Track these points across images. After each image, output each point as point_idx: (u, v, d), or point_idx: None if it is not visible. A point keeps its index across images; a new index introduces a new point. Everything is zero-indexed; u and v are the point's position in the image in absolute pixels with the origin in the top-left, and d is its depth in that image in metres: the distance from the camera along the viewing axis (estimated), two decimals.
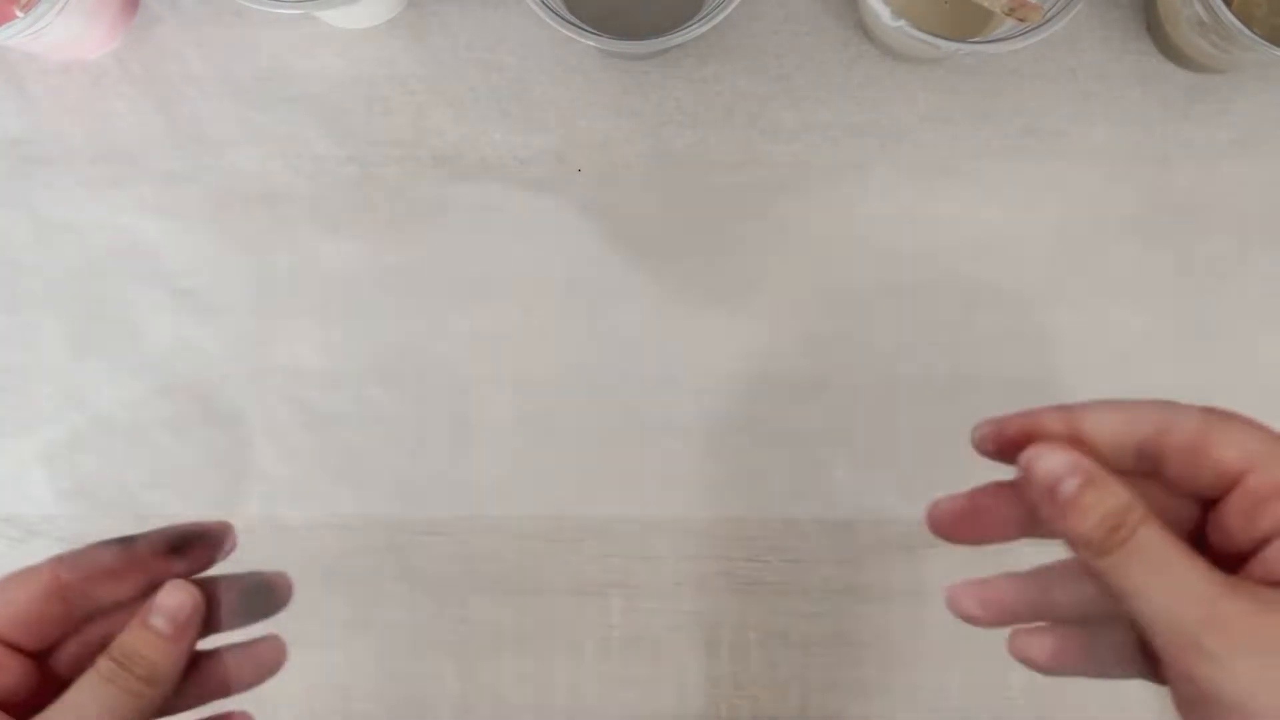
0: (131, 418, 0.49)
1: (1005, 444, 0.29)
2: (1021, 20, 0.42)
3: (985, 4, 0.43)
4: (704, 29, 0.41)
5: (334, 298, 0.49)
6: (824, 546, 0.49)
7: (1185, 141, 0.48)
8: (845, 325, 0.49)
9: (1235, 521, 0.27)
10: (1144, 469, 0.28)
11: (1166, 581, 0.26)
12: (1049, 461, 0.27)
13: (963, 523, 0.32)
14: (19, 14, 0.42)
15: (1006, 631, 0.49)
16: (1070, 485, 0.27)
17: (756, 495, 0.49)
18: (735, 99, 0.49)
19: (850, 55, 0.49)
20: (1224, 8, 0.41)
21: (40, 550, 0.49)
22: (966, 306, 0.49)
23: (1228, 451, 0.27)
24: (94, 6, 0.46)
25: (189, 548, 0.35)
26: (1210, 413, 0.29)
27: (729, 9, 0.41)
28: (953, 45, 0.41)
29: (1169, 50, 0.48)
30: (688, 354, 0.49)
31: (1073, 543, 0.27)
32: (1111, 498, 0.27)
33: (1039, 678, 0.49)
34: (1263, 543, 0.27)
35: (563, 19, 0.41)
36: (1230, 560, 0.27)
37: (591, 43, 0.42)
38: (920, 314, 0.49)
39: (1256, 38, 0.40)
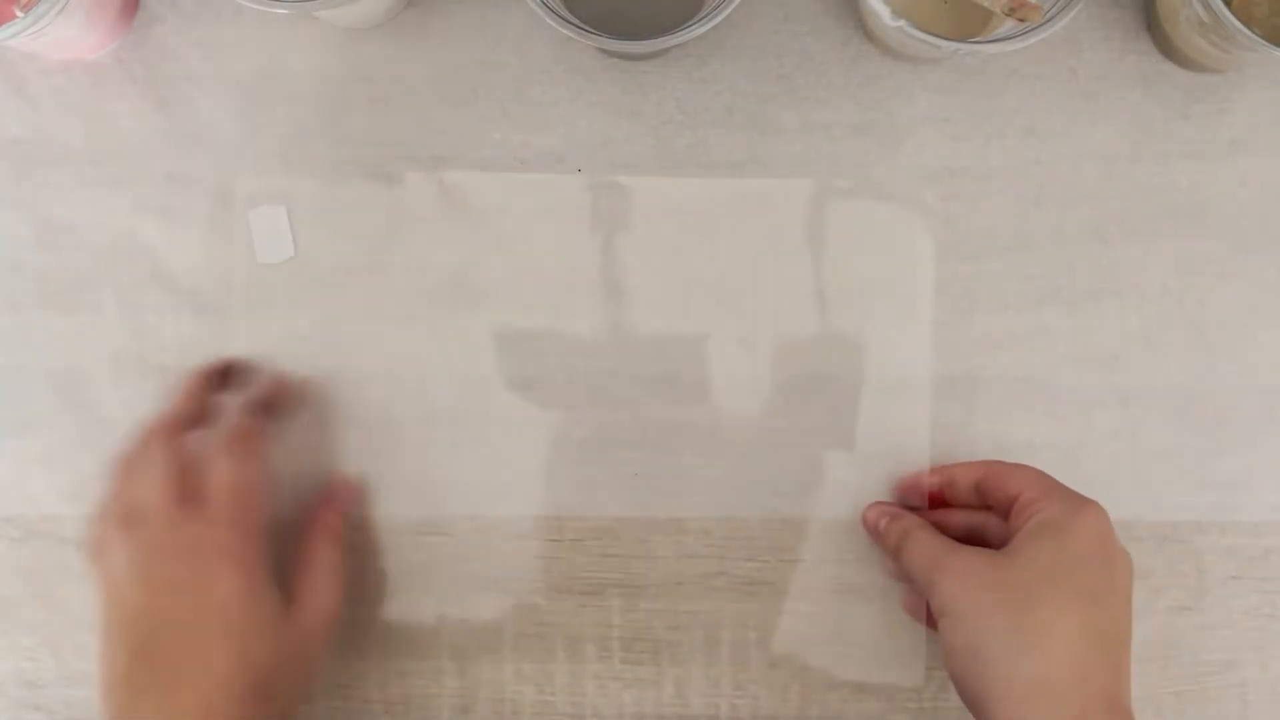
0: (131, 418, 0.49)
1: (903, 491, 0.49)
2: (1021, 20, 0.42)
3: (985, 4, 0.43)
4: (704, 29, 0.41)
5: (334, 297, 0.49)
6: (824, 546, 0.49)
7: (1185, 141, 0.48)
8: (845, 325, 0.49)
9: (1012, 523, 0.43)
10: (978, 500, 0.46)
11: (922, 554, 0.43)
12: (870, 512, 0.48)
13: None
14: (19, 14, 0.42)
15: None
16: (883, 522, 0.47)
17: (756, 495, 0.49)
18: (735, 99, 0.49)
19: (850, 55, 0.49)
20: (1224, 8, 0.41)
21: (40, 550, 0.49)
22: (967, 306, 0.49)
23: (1010, 483, 0.44)
24: (94, 6, 0.45)
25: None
26: (1009, 464, 0.45)
27: (729, 9, 0.41)
28: (953, 45, 0.41)
29: (1169, 50, 0.48)
30: (688, 353, 0.49)
31: (886, 553, 0.47)
32: (900, 522, 0.46)
33: None
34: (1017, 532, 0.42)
35: (563, 19, 0.41)
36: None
37: (591, 43, 0.42)
38: (921, 312, 0.49)
39: (1256, 38, 0.40)
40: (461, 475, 0.49)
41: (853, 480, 0.49)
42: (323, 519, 0.47)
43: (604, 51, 0.48)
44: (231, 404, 0.47)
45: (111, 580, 0.43)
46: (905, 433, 0.49)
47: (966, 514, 0.46)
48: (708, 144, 0.49)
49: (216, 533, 0.43)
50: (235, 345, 0.49)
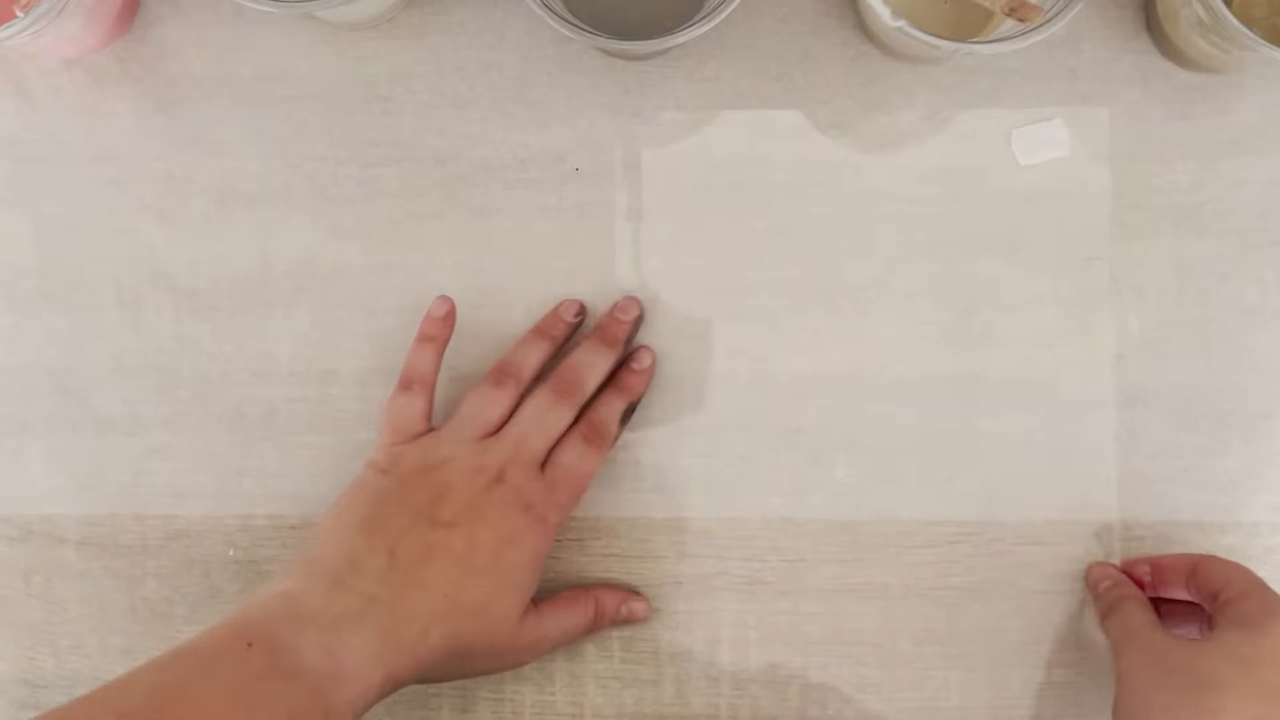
0: (131, 417, 0.49)
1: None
2: (1021, 20, 0.42)
3: (985, 4, 0.43)
4: (704, 29, 0.41)
5: (334, 297, 0.49)
6: (824, 546, 0.49)
7: (1185, 141, 0.48)
8: (845, 325, 0.49)
9: (1214, 618, 0.43)
10: (1189, 594, 0.45)
11: (1125, 622, 0.44)
12: (1095, 571, 0.48)
13: None
14: (19, 14, 0.42)
15: (1005, 633, 0.50)
16: (1103, 585, 0.47)
17: (756, 495, 0.49)
18: (735, 99, 0.49)
19: (850, 55, 0.49)
20: (1224, 8, 0.41)
21: (40, 550, 0.50)
22: (967, 306, 0.49)
23: (1216, 577, 0.44)
24: (94, 6, 0.45)
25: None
26: (1221, 561, 0.45)
27: (729, 9, 0.41)
28: (953, 45, 0.41)
29: (1169, 50, 0.48)
30: (688, 353, 0.49)
31: (1096, 612, 0.47)
32: (1120, 590, 0.46)
33: (1038, 678, 0.50)
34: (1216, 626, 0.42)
35: (563, 19, 0.41)
36: None
37: (591, 43, 0.42)
38: (920, 313, 0.49)
39: (1256, 38, 0.40)
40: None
41: (853, 480, 0.49)
42: (608, 601, 0.47)
43: (604, 51, 0.48)
44: (606, 399, 0.47)
45: (424, 466, 0.44)
46: (906, 432, 0.49)
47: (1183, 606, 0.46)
48: (708, 144, 0.49)
49: (547, 504, 0.44)
50: (235, 345, 0.49)
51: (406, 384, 0.47)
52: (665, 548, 0.49)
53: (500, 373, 0.46)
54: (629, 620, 0.48)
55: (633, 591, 0.48)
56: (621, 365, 0.48)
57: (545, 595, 0.46)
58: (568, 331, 0.48)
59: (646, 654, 0.49)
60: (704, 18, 0.41)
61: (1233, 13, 0.41)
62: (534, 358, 0.47)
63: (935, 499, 0.49)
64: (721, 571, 0.49)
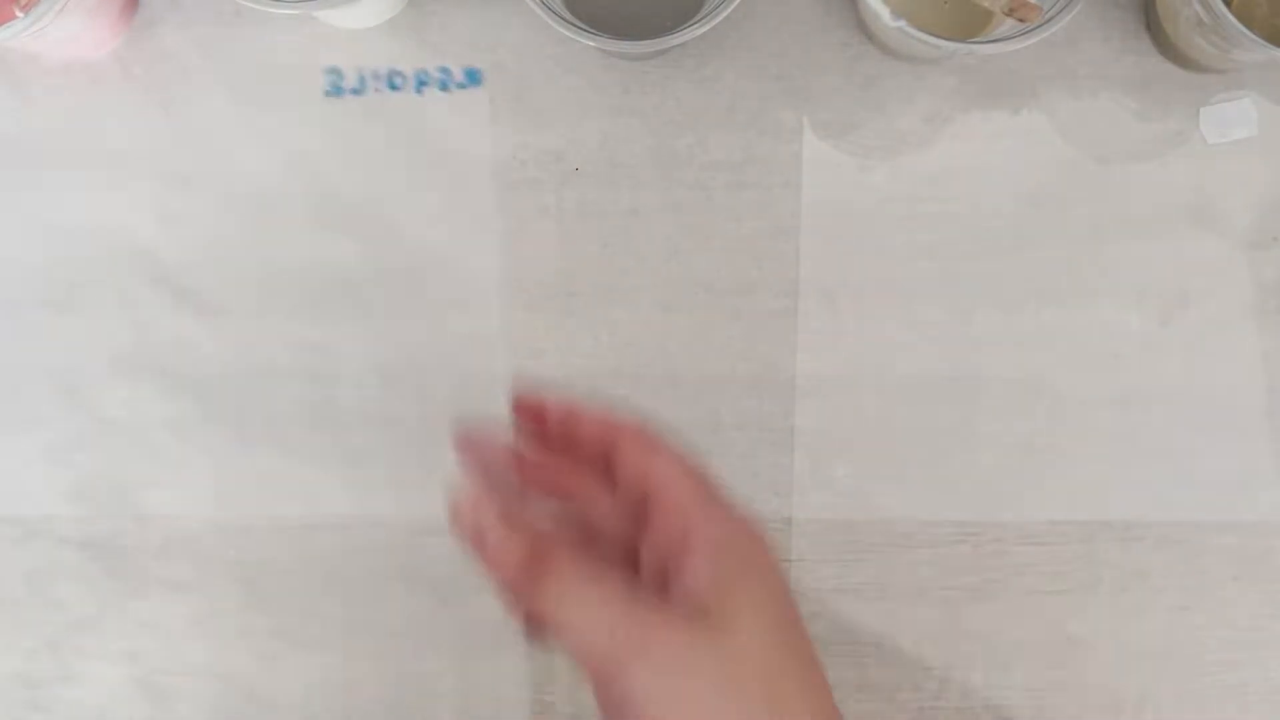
0: (131, 418, 0.49)
1: (519, 408, 0.33)
2: (1021, 20, 0.42)
3: (985, 4, 0.43)
4: (704, 29, 0.41)
5: (334, 297, 0.49)
6: (824, 546, 0.49)
7: (1184, 141, 0.48)
8: (846, 324, 0.49)
9: (656, 531, 0.30)
10: (601, 464, 0.32)
11: (596, 616, 0.28)
12: (462, 497, 0.30)
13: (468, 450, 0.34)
14: (19, 14, 0.42)
15: (1005, 633, 0.50)
16: (493, 528, 0.29)
17: (760, 495, 0.49)
18: (735, 99, 0.49)
19: (850, 55, 0.49)
20: (1224, 8, 0.41)
21: (40, 550, 0.49)
22: (967, 306, 0.49)
23: (649, 468, 0.31)
24: (94, 6, 0.45)
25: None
26: (636, 430, 0.33)
27: (729, 9, 0.41)
28: (953, 45, 0.41)
29: (1169, 50, 0.48)
30: (688, 353, 0.49)
31: (494, 578, 0.30)
32: (519, 537, 0.30)
33: (1038, 678, 0.50)
34: (675, 556, 0.30)
35: (563, 19, 0.41)
36: (657, 574, 0.30)
37: (591, 43, 0.42)
38: (920, 313, 0.49)
39: (1256, 38, 0.40)
40: (462, 475, 0.49)
41: (853, 480, 0.49)
42: None
43: (604, 51, 0.48)
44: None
45: None
46: (906, 432, 0.49)
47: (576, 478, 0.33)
48: (708, 144, 0.49)
49: None
50: (235, 345, 0.49)
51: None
52: None
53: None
54: None
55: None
56: None
57: None
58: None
59: None
60: (704, 18, 0.41)
61: (1233, 13, 0.41)
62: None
63: (935, 499, 0.49)
64: None
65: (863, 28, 0.48)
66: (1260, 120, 0.48)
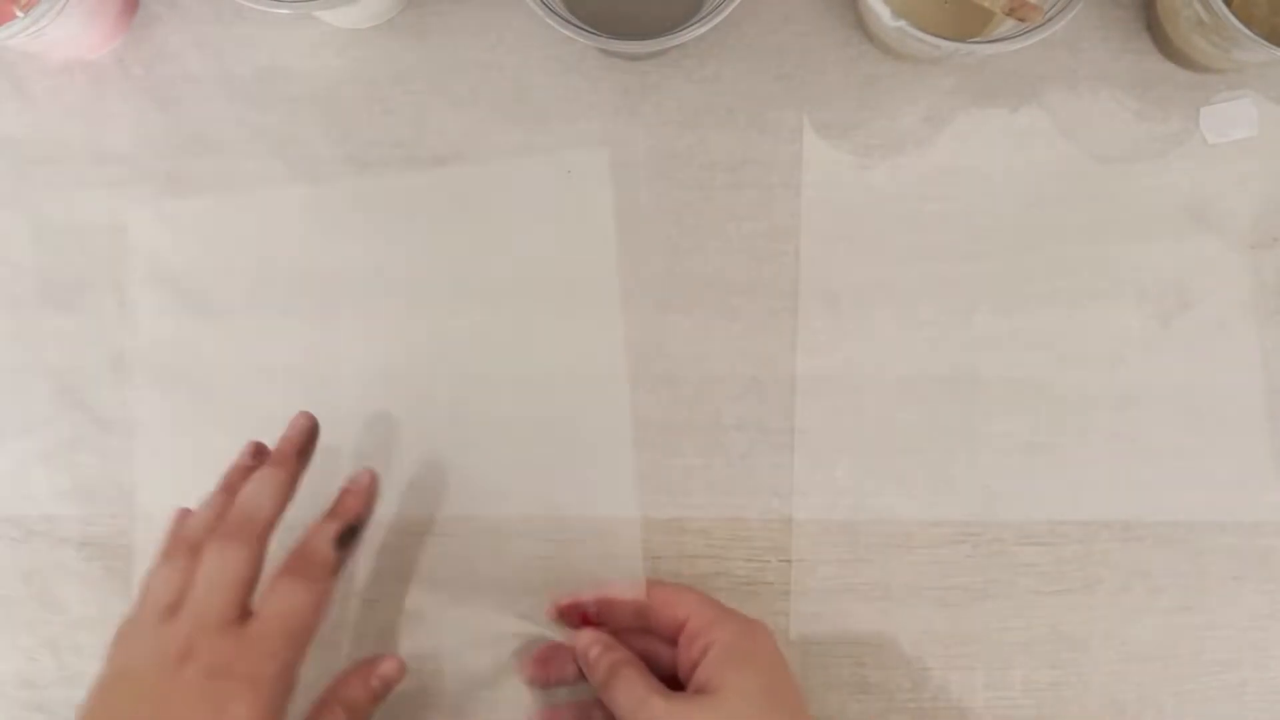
0: (131, 418, 0.49)
1: (562, 612, 0.46)
2: (1021, 20, 0.42)
3: (985, 4, 0.43)
4: (704, 29, 0.41)
5: (334, 297, 0.49)
6: (824, 546, 0.49)
7: (1184, 141, 0.48)
8: (845, 324, 0.49)
9: (683, 652, 0.42)
10: (640, 625, 0.44)
11: (631, 697, 0.41)
12: (583, 639, 0.44)
13: (539, 667, 0.46)
14: (19, 14, 0.42)
15: (1005, 633, 0.50)
16: (594, 651, 0.43)
17: (755, 495, 0.49)
18: (735, 99, 0.49)
19: (850, 55, 0.49)
20: (1224, 8, 0.41)
21: (40, 550, 0.49)
22: (967, 306, 0.49)
23: (677, 608, 0.43)
24: (94, 6, 0.46)
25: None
26: (669, 588, 0.44)
27: (729, 9, 0.41)
28: (953, 45, 0.41)
29: (1169, 50, 0.48)
30: (688, 353, 0.49)
31: (592, 683, 0.43)
32: (611, 655, 0.43)
33: (1038, 678, 0.50)
34: (697, 664, 0.41)
35: (563, 19, 0.41)
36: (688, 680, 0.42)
37: (591, 43, 0.42)
38: (920, 313, 0.49)
39: (1256, 38, 0.40)
40: (461, 475, 0.49)
41: (853, 480, 0.49)
42: (352, 690, 0.43)
43: (604, 51, 0.48)
44: (318, 526, 0.43)
45: (118, 674, 0.40)
46: (906, 432, 0.49)
47: (642, 640, 0.44)
48: (708, 144, 0.49)
49: (255, 659, 0.39)
50: (235, 345, 0.49)
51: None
52: (665, 548, 0.49)
53: (168, 545, 0.42)
54: (387, 686, 0.44)
55: (375, 659, 0.44)
56: (341, 489, 0.44)
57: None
58: (247, 476, 0.43)
59: None
60: (704, 18, 0.41)
61: (1233, 13, 0.41)
62: (204, 516, 0.42)
63: (935, 499, 0.49)
64: (721, 571, 0.49)
65: (863, 28, 0.48)
66: (1260, 120, 0.48)
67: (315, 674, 0.49)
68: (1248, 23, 0.40)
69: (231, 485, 0.44)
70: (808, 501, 0.49)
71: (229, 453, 0.49)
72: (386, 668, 0.44)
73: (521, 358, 0.49)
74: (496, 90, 0.49)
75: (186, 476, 0.49)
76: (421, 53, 0.49)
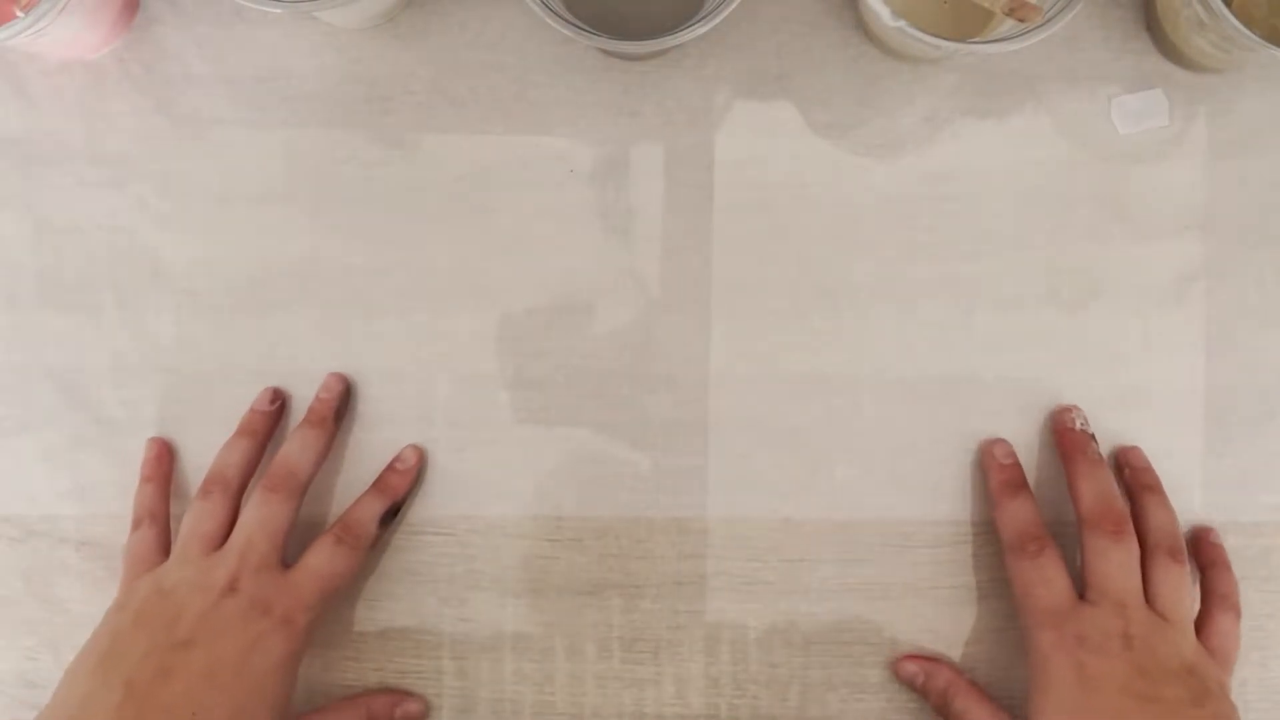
0: (131, 418, 0.49)
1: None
2: (1021, 20, 0.42)
3: (985, 4, 0.43)
4: (704, 29, 0.41)
5: (334, 297, 0.49)
6: (824, 546, 0.49)
7: (1185, 141, 0.48)
8: (845, 325, 0.49)
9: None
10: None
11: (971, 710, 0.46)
12: (906, 667, 0.48)
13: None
14: (19, 14, 0.42)
15: (1005, 633, 0.50)
16: (920, 679, 0.48)
17: (756, 495, 0.49)
18: (735, 99, 0.49)
19: (850, 55, 0.49)
20: (1224, 8, 0.41)
21: (40, 550, 0.49)
22: (967, 306, 0.49)
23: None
24: (94, 6, 0.45)
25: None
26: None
27: (729, 9, 0.41)
28: (953, 45, 0.41)
29: (1169, 50, 0.48)
30: (687, 353, 0.49)
31: (931, 707, 0.48)
32: (940, 678, 0.47)
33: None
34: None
35: (563, 19, 0.41)
36: None
37: (591, 43, 0.41)
38: (920, 314, 0.49)
39: (1256, 38, 0.40)
40: (461, 475, 0.49)
41: (853, 480, 0.49)
42: (379, 707, 0.47)
43: (604, 51, 0.48)
44: (367, 500, 0.47)
45: (158, 594, 0.43)
46: (906, 432, 0.49)
47: None
48: (708, 144, 0.49)
49: (292, 605, 0.43)
50: (235, 345, 0.49)
51: (136, 522, 0.47)
52: (665, 548, 0.49)
53: (206, 484, 0.46)
54: None
55: (405, 694, 0.48)
56: (387, 466, 0.48)
57: (316, 707, 0.47)
58: (268, 421, 0.48)
59: (646, 654, 0.49)
60: (704, 18, 0.41)
61: (1233, 13, 0.41)
62: (236, 458, 0.46)
63: (935, 499, 0.49)
64: (721, 571, 0.49)
65: (863, 28, 0.48)
66: (1259, 121, 0.48)
67: (316, 673, 0.49)
68: (1248, 23, 0.40)
69: (254, 430, 0.47)
70: (808, 501, 0.49)
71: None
72: (412, 708, 0.48)
73: (523, 357, 0.49)
74: (496, 90, 0.49)
75: (186, 477, 0.49)
76: (421, 53, 0.49)
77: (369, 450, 0.49)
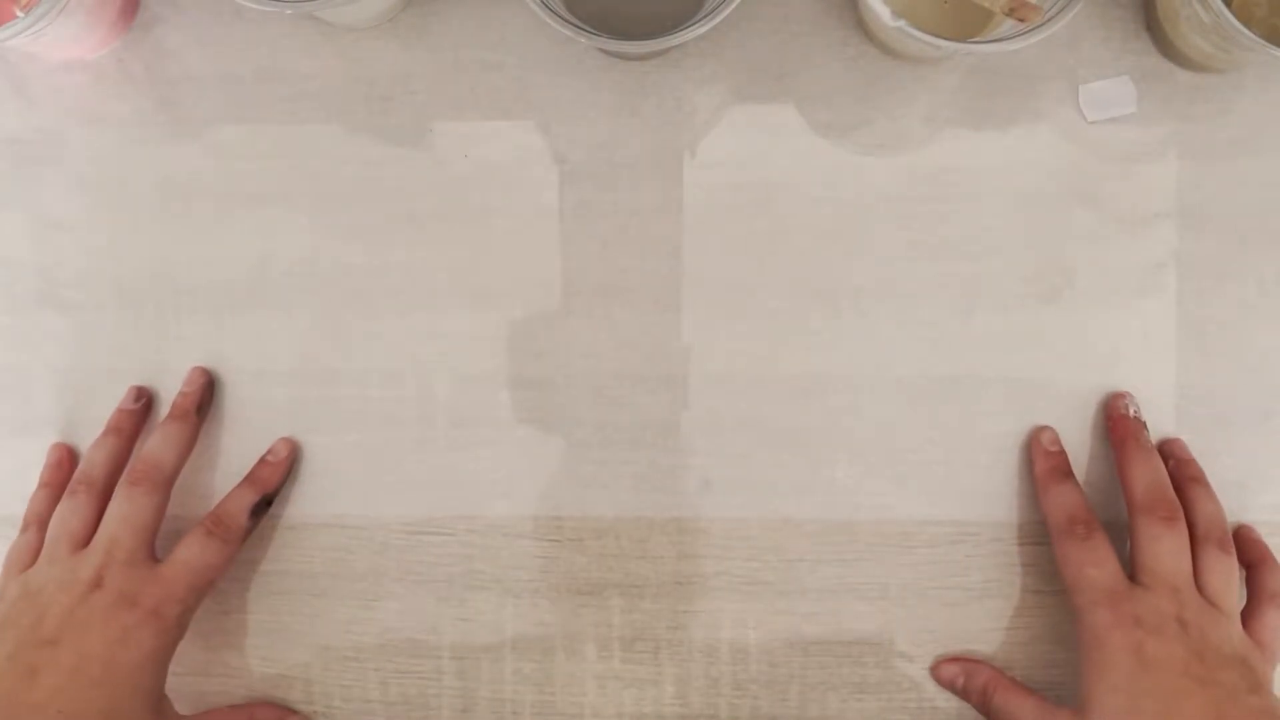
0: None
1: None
2: (1021, 20, 0.42)
3: (985, 4, 0.43)
4: (704, 29, 0.41)
5: (334, 297, 0.49)
6: (824, 546, 0.49)
7: (1185, 141, 0.48)
8: (845, 325, 0.49)
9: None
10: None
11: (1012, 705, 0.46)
12: (945, 670, 0.49)
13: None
14: (19, 14, 0.42)
15: (1005, 633, 0.50)
16: (960, 681, 0.48)
17: (756, 495, 0.49)
18: (735, 99, 0.49)
19: (850, 55, 0.49)
20: (1224, 8, 0.41)
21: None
22: (967, 306, 0.49)
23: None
24: (94, 6, 0.45)
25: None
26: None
27: (729, 9, 0.41)
28: (953, 45, 0.41)
29: (1169, 50, 0.48)
30: (688, 352, 0.49)
31: (974, 706, 0.48)
32: (980, 677, 0.47)
33: (1039, 677, 0.50)
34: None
35: (563, 19, 0.41)
36: None
37: (591, 43, 0.41)
38: (920, 314, 0.49)
39: (1256, 38, 0.40)
40: (461, 475, 0.49)
41: (853, 480, 0.49)
42: (264, 717, 0.48)
43: (604, 51, 0.48)
44: (237, 492, 0.47)
45: (25, 594, 0.44)
46: (906, 432, 0.49)
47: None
48: (707, 143, 0.49)
49: (161, 597, 0.43)
50: (235, 345, 0.49)
51: (24, 527, 0.47)
52: (665, 548, 0.49)
53: (72, 483, 0.46)
54: None
55: (289, 711, 0.49)
56: (259, 459, 0.48)
57: (204, 711, 0.48)
58: (134, 420, 0.48)
59: (646, 654, 0.49)
60: (704, 18, 0.41)
61: (1233, 13, 0.41)
62: (102, 456, 0.47)
63: (935, 499, 0.49)
64: (721, 571, 0.49)
65: (863, 28, 0.48)
66: (1259, 121, 0.48)
67: (316, 674, 0.49)
68: (1248, 23, 0.40)
69: (120, 428, 0.48)
70: (808, 501, 0.49)
71: (230, 451, 0.49)
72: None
73: (523, 357, 0.49)
74: (496, 90, 0.49)
75: (186, 476, 0.49)
76: (421, 53, 0.49)
77: (368, 450, 0.49)
